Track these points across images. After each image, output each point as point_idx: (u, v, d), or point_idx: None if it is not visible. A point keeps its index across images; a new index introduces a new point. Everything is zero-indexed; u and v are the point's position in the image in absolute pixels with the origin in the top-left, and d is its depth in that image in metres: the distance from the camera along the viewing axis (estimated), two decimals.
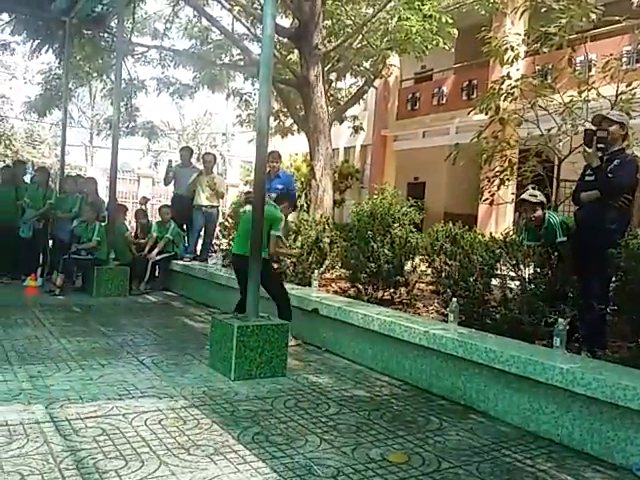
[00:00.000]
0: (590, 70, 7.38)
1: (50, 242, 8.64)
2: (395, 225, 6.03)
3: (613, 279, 3.98)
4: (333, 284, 6.62)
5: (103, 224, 8.06)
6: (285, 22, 11.84)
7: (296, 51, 10.47)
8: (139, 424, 3.24)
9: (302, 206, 15.31)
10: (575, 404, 3.23)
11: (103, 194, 10.77)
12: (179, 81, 14.64)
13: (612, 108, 5.72)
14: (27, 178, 9.43)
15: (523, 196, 4.80)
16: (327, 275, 6.82)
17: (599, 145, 4.18)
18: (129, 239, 8.66)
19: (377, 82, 14.39)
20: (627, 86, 5.91)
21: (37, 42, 11.60)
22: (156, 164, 22.34)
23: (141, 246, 8.57)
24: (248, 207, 7.04)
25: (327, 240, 6.62)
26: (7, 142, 25.03)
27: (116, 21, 9.35)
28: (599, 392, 3.06)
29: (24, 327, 5.55)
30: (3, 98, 24.75)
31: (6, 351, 4.62)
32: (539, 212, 4.70)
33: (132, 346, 5.05)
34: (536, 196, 4.77)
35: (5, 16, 11.77)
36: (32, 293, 7.50)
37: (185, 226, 9.00)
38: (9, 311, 6.18)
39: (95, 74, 13.80)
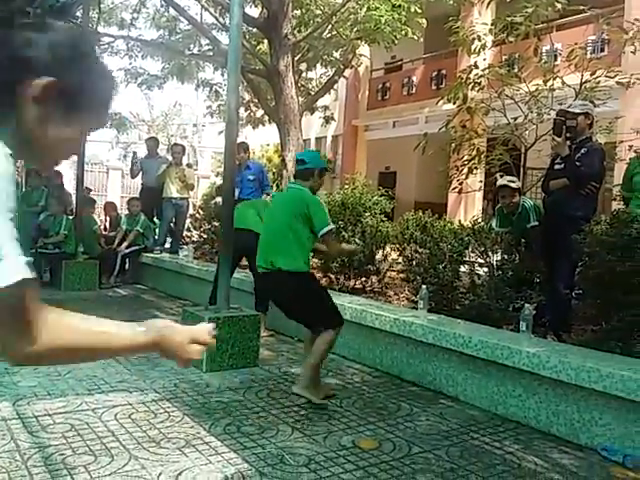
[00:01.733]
0: (555, 59, 7.51)
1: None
2: (366, 214, 6.06)
3: (578, 264, 4.07)
4: None
5: (71, 217, 7.92)
6: (254, 12, 11.73)
7: (266, 41, 10.38)
8: (109, 419, 3.21)
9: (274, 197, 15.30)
10: (541, 387, 3.31)
11: (71, 187, 10.57)
12: (147, 72, 14.40)
13: (576, 97, 5.82)
14: None
15: (503, 182, 4.85)
16: None
17: (568, 134, 4.26)
18: (98, 232, 8.52)
19: (347, 72, 14.36)
20: (591, 75, 6.01)
21: None
22: (125, 156, 21.91)
23: (111, 239, 8.44)
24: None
25: None
26: None
27: (81, 11, 9.14)
28: (564, 375, 3.13)
29: None
30: None
31: None
32: (517, 198, 4.78)
33: None
34: (514, 182, 4.86)
35: None
36: None
37: (155, 218, 8.90)
38: None
39: None
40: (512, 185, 4.79)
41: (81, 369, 4.09)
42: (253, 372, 4.22)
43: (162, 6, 13.43)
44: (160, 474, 2.59)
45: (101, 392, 3.64)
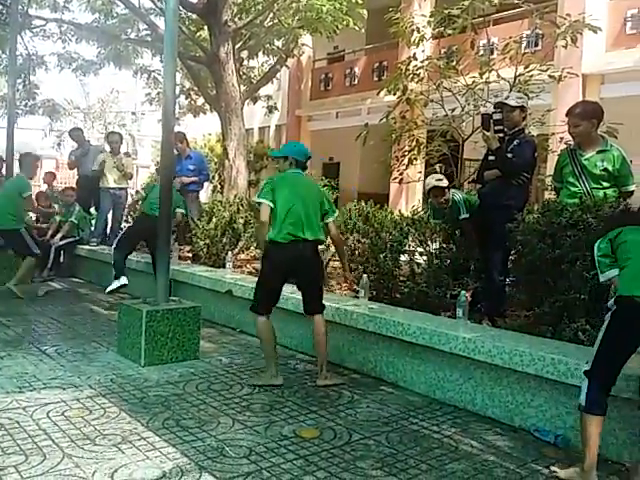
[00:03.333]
0: (492, 53, 7.70)
1: None
2: None
3: (511, 252, 4.20)
4: (248, 265, 6.57)
5: None
6: None
7: (206, 28, 10.17)
8: (41, 417, 3.09)
9: (216, 187, 15.06)
10: (477, 371, 3.40)
11: None
12: (82, 57, 13.84)
13: (511, 89, 5.99)
14: None
15: (433, 182, 4.91)
16: (242, 256, 6.75)
17: (496, 127, 4.37)
18: (29, 223, 8.13)
19: (290, 62, 14.28)
20: (525, 68, 6.20)
21: None
22: (59, 144, 21.06)
23: (43, 231, 8.09)
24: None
25: (241, 221, 6.54)
26: None
27: None
28: (498, 359, 3.24)
29: None
30: None
31: None
32: (446, 195, 4.87)
33: (34, 336, 4.78)
34: (442, 180, 4.94)
35: None
36: None
37: (92, 209, 8.60)
38: None
39: None
40: (441, 185, 4.89)
41: (11, 366, 3.92)
42: (194, 365, 4.15)
43: None
44: (95, 472, 2.52)
45: (33, 389, 3.49)
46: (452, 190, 4.97)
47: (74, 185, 8.99)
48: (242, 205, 6.94)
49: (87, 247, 7.97)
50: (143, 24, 12.07)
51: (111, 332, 4.85)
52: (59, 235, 7.85)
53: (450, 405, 3.51)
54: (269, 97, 15.15)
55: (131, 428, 2.99)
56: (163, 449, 2.77)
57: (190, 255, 6.91)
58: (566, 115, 4.05)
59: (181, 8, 9.12)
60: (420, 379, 3.71)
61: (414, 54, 6.91)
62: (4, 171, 8.31)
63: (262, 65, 14.48)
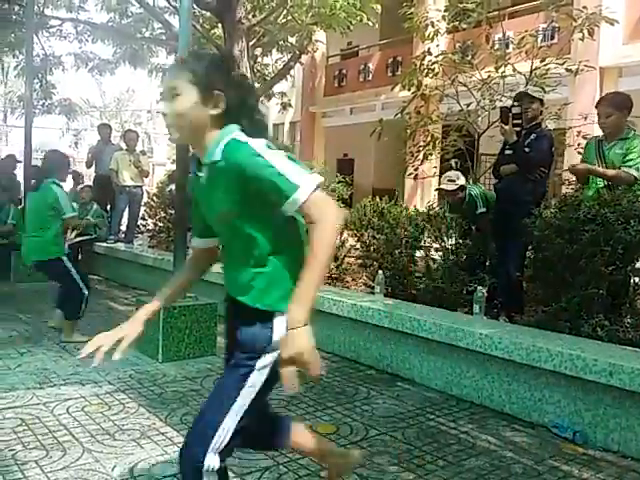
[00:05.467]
0: (507, 47, 7.63)
1: None
2: None
3: (529, 248, 4.17)
4: None
5: (19, 207, 7.64)
6: None
7: (220, 25, 10.20)
8: (61, 412, 3.13)
9: None
10: (494, 367, 3.39)
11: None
12: (98, 56, 13.97)
13: (527, 83, 5.94)
14: None
15: (444, 186, 4.90)
16: None
17: (515, 122, 4.34)
18: None
19: (304, 58, 14.28)
20: (541, 62, 6.14)
21: None
22: (76, 143, 21.26)
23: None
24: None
25: None
26: None
27: None
28: (516, 355, 3.22)
29: None
30: None
31: None
32: (460, 195, 4.83)
33: (53, 332, 4.84)
34: (454, 181, 4.88)
35: None
36: None
37: (109, 207, 8.68)
38: None
39: (6, 49, 12.93)
40: (450, 188, 4.86)
41: (31, 362, 3.98)
42: (210, 361, 4.18)
43: None
44: (115, 467, 2.55)
45: (53, 385, 3.54)
46: (469, 185, 4.94)
47: (90, 183, 9.10)
48: None
49: (104, 245, 8.05)
50: (157, 23, 12.15)
51: None
52: (74, 232, 7.94)
53: (467, 401, 3.50)
54: (283, 94, 15.16)
55: (150, 423, 3.03)
56: (181, 444, 2.79)
57: None
58: (596, 106, 4.00)
59: (195, 6, 9.15)
60: (436, 375, 3.70)
61: (428, 49, 6.88)
62: (20, 171, 8.41)
63: (276, 62, 14.50)
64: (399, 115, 7.08)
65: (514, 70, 6.32)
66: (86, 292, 4.73)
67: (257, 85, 11.53)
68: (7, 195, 7.62)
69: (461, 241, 4.72)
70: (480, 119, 6.73)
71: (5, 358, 4.05)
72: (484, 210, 4.67)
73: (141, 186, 8.48)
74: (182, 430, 2.94)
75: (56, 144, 24.89)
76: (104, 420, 3.05)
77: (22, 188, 8.24)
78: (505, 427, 3.15)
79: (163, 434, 2.90)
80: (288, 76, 13.99)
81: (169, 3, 11.62)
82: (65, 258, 4.67)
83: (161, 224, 8.49)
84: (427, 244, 4.97)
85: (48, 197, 4.57)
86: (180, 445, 2.72)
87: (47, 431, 2.89)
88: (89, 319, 5.44)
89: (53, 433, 2.87)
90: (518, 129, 4.36)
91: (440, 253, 4.79)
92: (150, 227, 8.57)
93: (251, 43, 11.18)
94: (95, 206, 8.16)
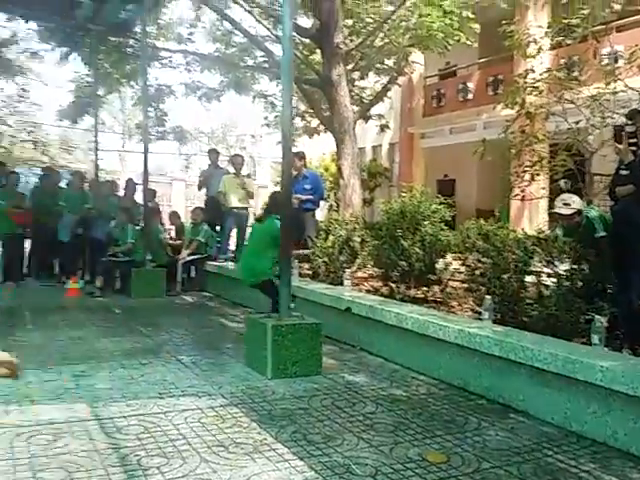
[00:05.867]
0: (616, 61, 7.26)
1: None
2: (425, 223, 5.99)
3: None
4: (365, 283, 6.61)
5: (137, 227, 8.22)
6: (307, 22, 11.88)
7: (318, 51, 10.50)
8: (180, 422, 3.30)
9: (331, 206, 15.33)
10: (616, 403, 3.17)
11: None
12: (205, 85, 14.80)
13: None
14: (63, 184, 9.64)
15: (558, 210, 4.64)
16: (359, 274, 6.81)
17: (630, 140, 4.11)
18: (164, 241, 8.80)
19: (401, 80, 14.32)
20: None
21: (65, 50, 11.89)
22: (187, 167, 22.60)
23: (177, 248, 8.73)
24: None
25: (358, 239, 6.62)
26: (43, 148, 25.61)
27: (140, 27, 9.48)
28: None
29: (66, 328, 5.72)
30: (36, 105, 25.31)
31: (50, 352, 4.76)
32: (576, 219, 4.56)
33: (171, 345, 5.15)
34: (569, 204, 4.59)
35: (33, 24, 12.07)
36: (73, 295, 7.71)
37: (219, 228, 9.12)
38: (52, 313, 6.36)
39: (124, 80, 14.02)
40: (565, 212, 4.56)
41: (151, 373, 4.23)
42: (316, 381, 4.23)
43: (217, 20, 13.80)
44: (230, 478, 2.64)
45: (172, 396, 3.75)
46: (585, 207, 4.70)
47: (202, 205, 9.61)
48: (358, 223, 7.03)
49: (215, 263, 8.44)
50: (260, 51, 12.71)
51: (239, 344, 5.07)
52: (186, 252, 8.40)
53: (588, 439, 3.27)
54: (381, 116, 15.27)
55: (261, 438, 3.11)
56: (292, 461, 2.85)
57: (310, 272, 7.08)
58: None
59: (295, 34, 9.49)
60: (553, 409, 3.51)
61: (532, 66, 6.69)
62: (123, 193, 9.01)
63: (373, 85, 14.66)
64: (502, 134, 6.91)
65: (626, 86, 5.99)
66: None
67: (355, 108, 11.68)
68: (127, 216, 8.21)
69: (576, 266, 4.48)
70: (591, 137, 6.42)
71: (129, 368, 4.35)
72: (604, 234, 4.41)
73: (247, 208, 8.82)
74: (292, 447, 3.00)
75: (169, 168, 26.49)
76: (219, 432, 3.18)
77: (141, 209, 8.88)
78: (632, 469, 2.93)
79: (274, 450, 2.97)
80: (386, 98, 14.09)
81: (270, 32, 12.14)
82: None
83: None
84: (537, 269, 4.76)
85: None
86: (291, 463, 2.80)
87: (167, 439, 3.06)
88: (202, 333, 5.74)
89: (173, 442, 3.03)
90: (634, 148, 4.12)
91: (552, 279, 4.57)
92: None
93: (349, 67, 11.42)
94: (206, 227, 8.59)
